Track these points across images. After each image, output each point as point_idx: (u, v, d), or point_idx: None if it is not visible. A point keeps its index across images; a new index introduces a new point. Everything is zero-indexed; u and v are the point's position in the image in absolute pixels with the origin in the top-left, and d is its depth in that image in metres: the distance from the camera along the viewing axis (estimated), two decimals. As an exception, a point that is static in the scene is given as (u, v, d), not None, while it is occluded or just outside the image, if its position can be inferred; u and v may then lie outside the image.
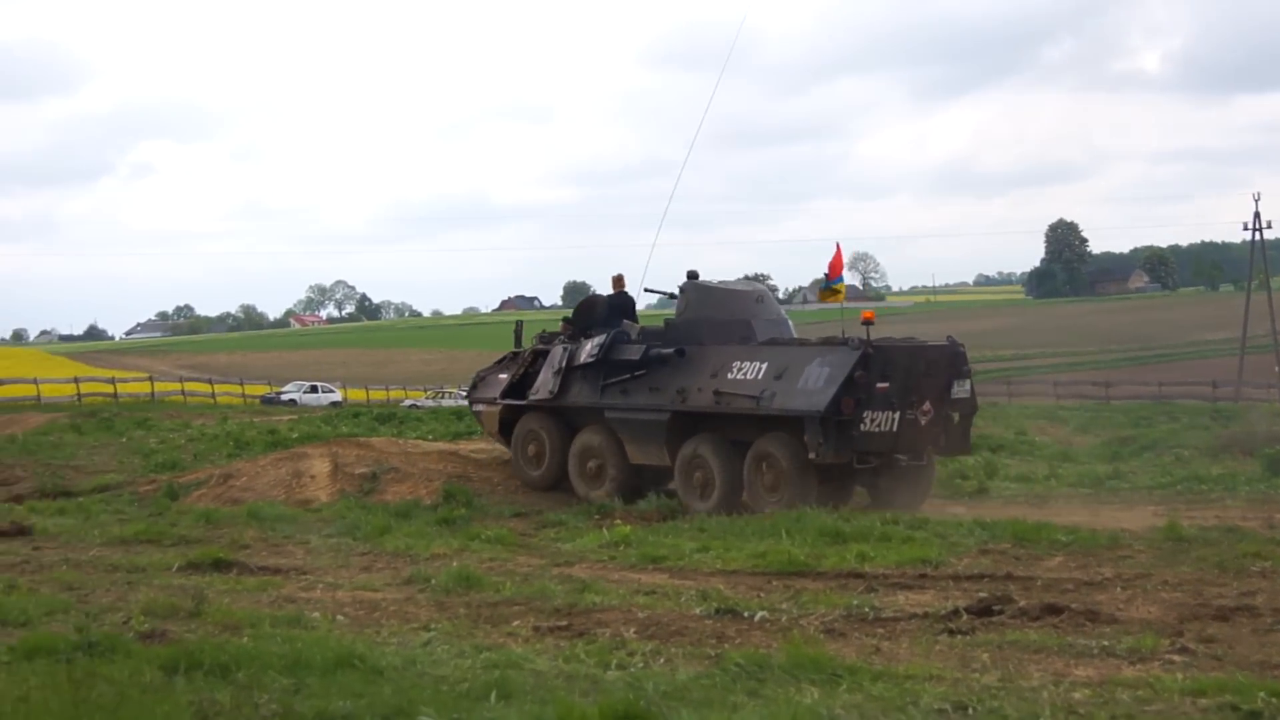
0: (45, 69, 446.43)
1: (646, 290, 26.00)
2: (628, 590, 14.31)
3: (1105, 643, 11.12)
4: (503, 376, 26.05)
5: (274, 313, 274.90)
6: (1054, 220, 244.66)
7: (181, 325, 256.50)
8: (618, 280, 25.30)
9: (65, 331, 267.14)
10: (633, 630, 12.05)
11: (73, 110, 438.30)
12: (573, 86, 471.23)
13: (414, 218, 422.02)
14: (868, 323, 21.33)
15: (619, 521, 19.80)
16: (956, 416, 22.52)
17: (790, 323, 23.58)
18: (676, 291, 24.21)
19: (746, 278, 26.51)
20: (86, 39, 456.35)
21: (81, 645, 10.82)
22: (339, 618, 12.91)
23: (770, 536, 17.91)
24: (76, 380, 72.66)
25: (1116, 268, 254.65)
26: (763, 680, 9.84)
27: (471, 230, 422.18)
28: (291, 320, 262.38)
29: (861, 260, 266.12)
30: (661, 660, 10.78)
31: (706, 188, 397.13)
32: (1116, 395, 76.88)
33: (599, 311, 24.95)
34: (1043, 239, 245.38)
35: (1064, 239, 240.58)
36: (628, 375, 23.28)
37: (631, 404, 23.25)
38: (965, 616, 12.34)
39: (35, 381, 69.20)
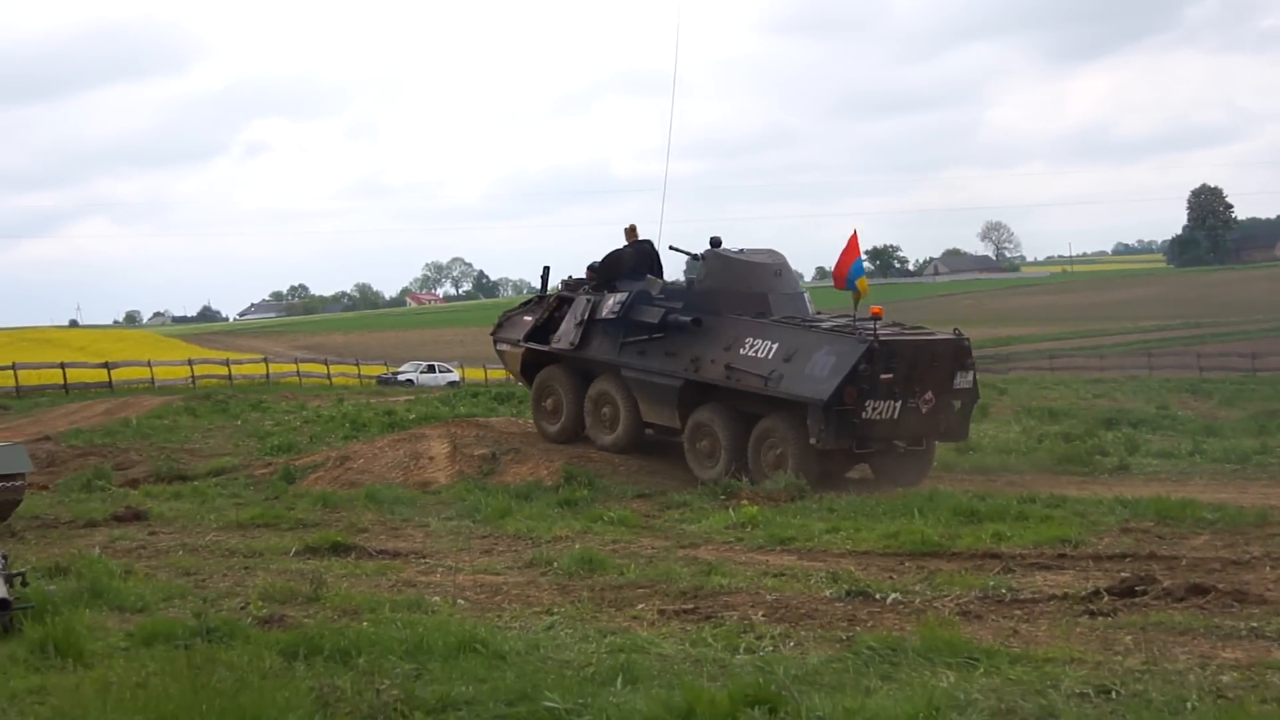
0: (157, 48, 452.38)
1: (671, 249, 26.38)
2: (755, 572, 14.31)
3: (1254, 624, 10.99)
4: (528, 319, 27.08)
5: (390, 291, 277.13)
6: (1196, 186, 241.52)
7: (296, 305, 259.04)
8: (630, 231, 26.27)
9: (179, 313, 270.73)
10: (761, 613, 12.05)
11: (185, 89, 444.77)
12: (693, 55, 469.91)
13: (532, 192, 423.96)
14: (876, 317, 22.09)
15: (745, 502, 19.75)
16: (958, 404, 23.24)
17: (806, 296, 24.49)
18: (699, 256, 24.96)
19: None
20: (199, 17, 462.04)
21: (199, 631, 11.00)
22: (460, 602, 13.01)
23: (902, 516, 17.84)
24: (190, 363, 73.60)
25: (1263, 234, 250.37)
26: (896, 664, 9.82)
27: (590, 204, 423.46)
28: (408, 299, 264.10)
29: (995, 230, 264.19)
30: (791, 644, 10.78)
31: (832, 158, 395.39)
32: (1263, 367, 75.81)
33: (626, 264, 25.77)
34: (1185, 205, 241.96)
35: (1207, 205, 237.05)
36: (645, 336, 24.27)
37: (647, 365, 24.31)
38: (1106, 598, 12.24)
39: (149, 364, 70.14)
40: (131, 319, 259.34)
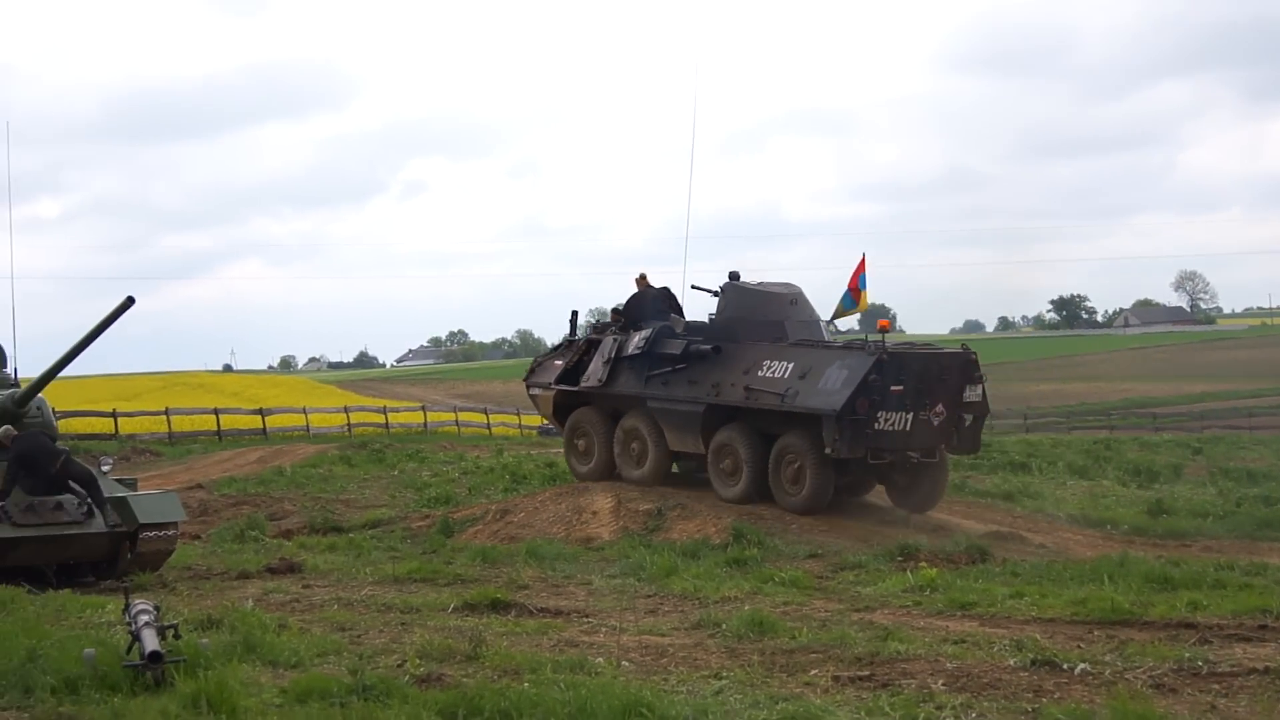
0: (316, 87, 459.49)
1: (694, 288, 29.06)
2: (934, 638, 14.19)
3: None
4: (558, 363, 29.17)
5: (552, 338, 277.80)
6: None
7: (455, 352, 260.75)
8: (641, 279, 28.50)
9: (334, 359, 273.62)
10: (941, 681, 11.95)
11: (343, 128, 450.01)
12: (867, 93, 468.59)
13: (698, 235, 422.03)
14: (883, 330, 24.71)
15: (924, 564, 19.63)
16: (969, 418, 25.18)
17: (822, 323, 26.79)
18: (718, 290, 27.25)
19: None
20: (358, 56, 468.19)
21: (355, 688, 11.10)
22: (624, 663, 13.03)
23: (1091, 582, 17.63)
24: (346, 410, 74.32)
25: None
26: (1085, 739, 9.69)
27: (761, 248, 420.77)
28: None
29: (1189, 280, 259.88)
30: (973, 714, 10.69)
31: (1015, 201, 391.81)
32: None
33: (648, 305, 28.04)
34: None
35: None
36: (669, 368, 26.47)
37: (671, 395, 26.48)
38: (1312, 673, 12.01)
39: (304, 411, 70.99)
40: (286, 364, 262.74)
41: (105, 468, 22.87)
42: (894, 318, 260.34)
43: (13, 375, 22.79)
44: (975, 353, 25.43)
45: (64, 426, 38.73)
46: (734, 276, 27.18)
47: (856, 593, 17.93)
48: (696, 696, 11.27)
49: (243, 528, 27.82)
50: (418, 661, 12.88)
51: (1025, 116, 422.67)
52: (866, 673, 12.44)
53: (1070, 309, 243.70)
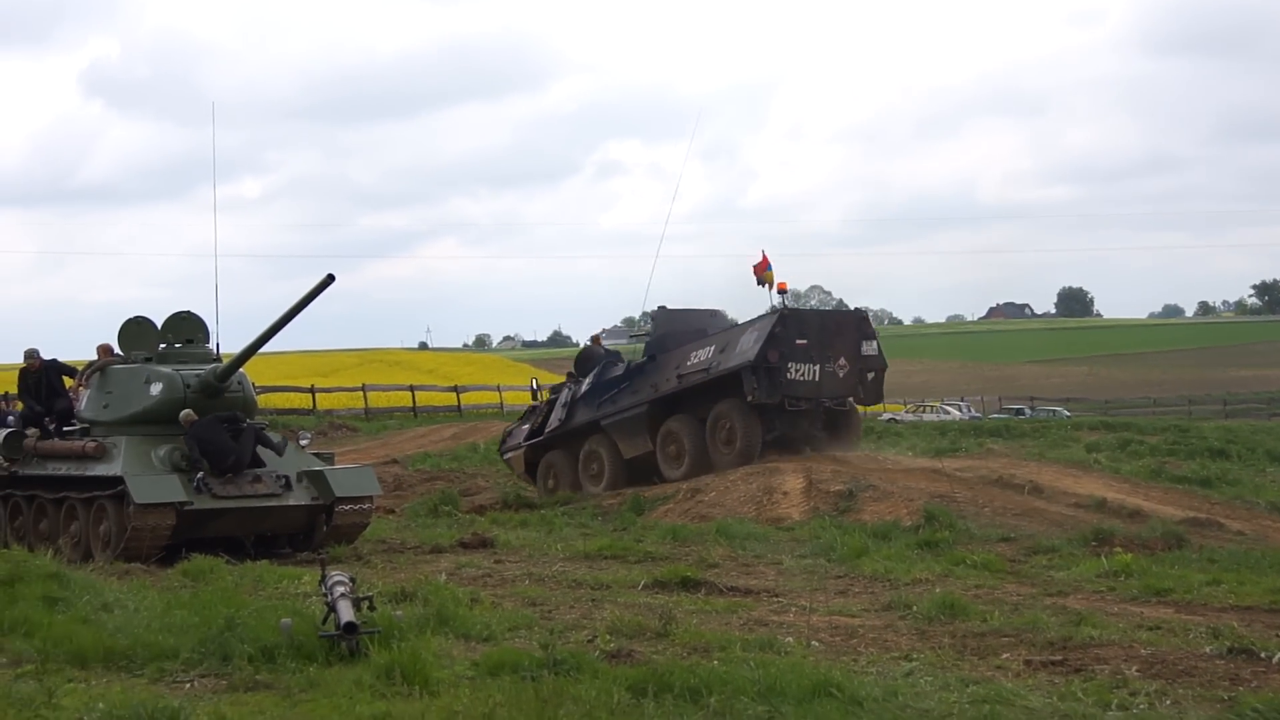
0: (513, 68, 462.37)
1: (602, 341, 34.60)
2: (1128, 624, 14.00)
3: None
4: (524, 427, 32.66)
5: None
6: None
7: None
8: (595, 339, 33.12)
9: (529, 337, 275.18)
10: (1135, 668, 11.78)
11: (540, 109, 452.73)
12: (1063, 75, 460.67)
13: (893, 218, 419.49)
14: (783, 292, 29.40)
15: (1119, 549, 19.34)
16: (871, 375, 28.91)
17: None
18: (650, 315, 32.14)
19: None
20: (555, 36, 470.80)
21: (546, 662, 11.18)
22: (814, 643, 13.01)
23: (1291, 569, 17.32)
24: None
25: None
26: (1284, 729, 9.51)
27: (955, 231, 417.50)
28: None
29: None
30: (1168, 702, 10.52)
31: (1217, 185, 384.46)
32: None
33: (595, 360, 31.98)
34: None
35: None
36: (615, 389, 30.24)
37: (620, 407, 29.99)
38: None
39: (498, 389, 71.64)
40: (481, 342, 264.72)
41: (303, 442, 23.29)
42: (1090, 301, 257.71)
43: (215, 351, 23.22)
44: (865, 312, 30.93)
45: (263, 401, 39.51)
46: (661, 308, 31.73)
47: (1049, 577, 17.73)
48: (886, 678, 11.22)
49: (436, 503, 28.21)
50: (608, 637, 12.96)
51: (1226, 99, 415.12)
52: (1059, 658, 12.31)
53: (1273, 294, 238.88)
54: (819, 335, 28.03)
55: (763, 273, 30.36)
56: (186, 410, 21.66)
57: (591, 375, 31.05)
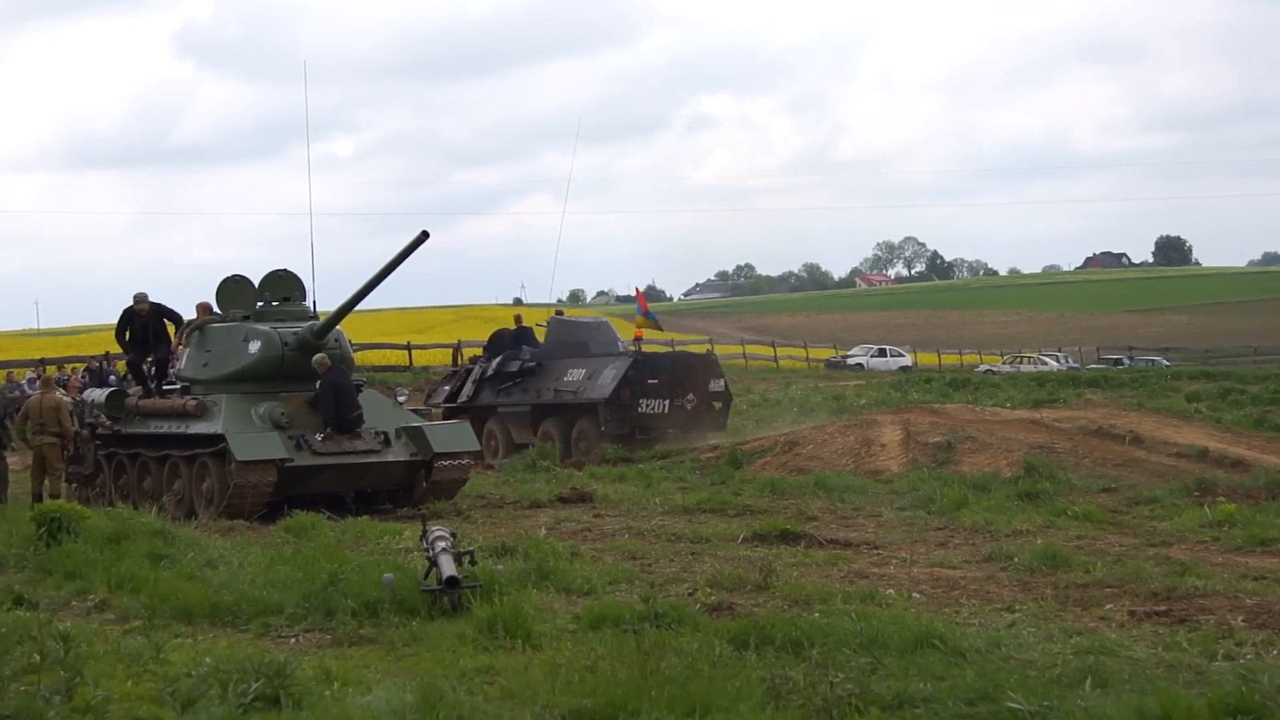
0: (604, 21, 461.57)
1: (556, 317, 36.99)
2: (1233, 574, 13.90)
3: None
4: (445, 388, 36.01)
5: (839, 272, 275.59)
6: None
7: (742, 285, 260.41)
8: (517, 319, 35.19)
9: (623, 292, 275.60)
10: (1240, 618, 11.70)
11: (630, 62, 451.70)
12: (1157, 20, 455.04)
13: (988, 169, 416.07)
14: (638, 340, 34.43)
15: (1222, 499, 19.17)
16: (719, 405, 32.96)
17: (620, 341, 34.60)
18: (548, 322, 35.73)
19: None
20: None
21: (647, 616, 11.22)
22: (915, 595, 13.01)
23: (1399, 519, 17.12)
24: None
25: None
26: (1394, 678, 9.40)
27: (1051, 181, 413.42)
28: (858, 280, 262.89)
29: None
30: (1274, 652, 10.45)
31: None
32: None
33: (506, 341, 35.09)
34: None
35: None
36: (510, 383, 33.63)
37: (512, 401, 33.60)
38: None
39: (592, 344, 71.73)
40: (575, 298, 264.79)
41: (401, 399, 23.45)
42: (1189, 249, 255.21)
43: (312, 308, 23.38)
44: (715, 354, 37.63)
45: (360, 358, 39.79)
46: (559, 313, 36.45)
47: (1152, 527, 17.63)
48: (989, 629, 11.19)
49: (534, 458, 28.30)
50: (708, 590, 12.99)
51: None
52: (1163, 608, 12.24)
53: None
54: (670, 374, 32.30)
55: (645, 310, 37.95)
56: (321, 355, 21.90)
57: (495, 364, 34.10)
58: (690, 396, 31.97)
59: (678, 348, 43.02)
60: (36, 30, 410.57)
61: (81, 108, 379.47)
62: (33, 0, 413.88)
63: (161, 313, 24.23)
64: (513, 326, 36.48)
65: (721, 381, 33.24)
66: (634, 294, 38.71)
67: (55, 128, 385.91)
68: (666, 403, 31.30)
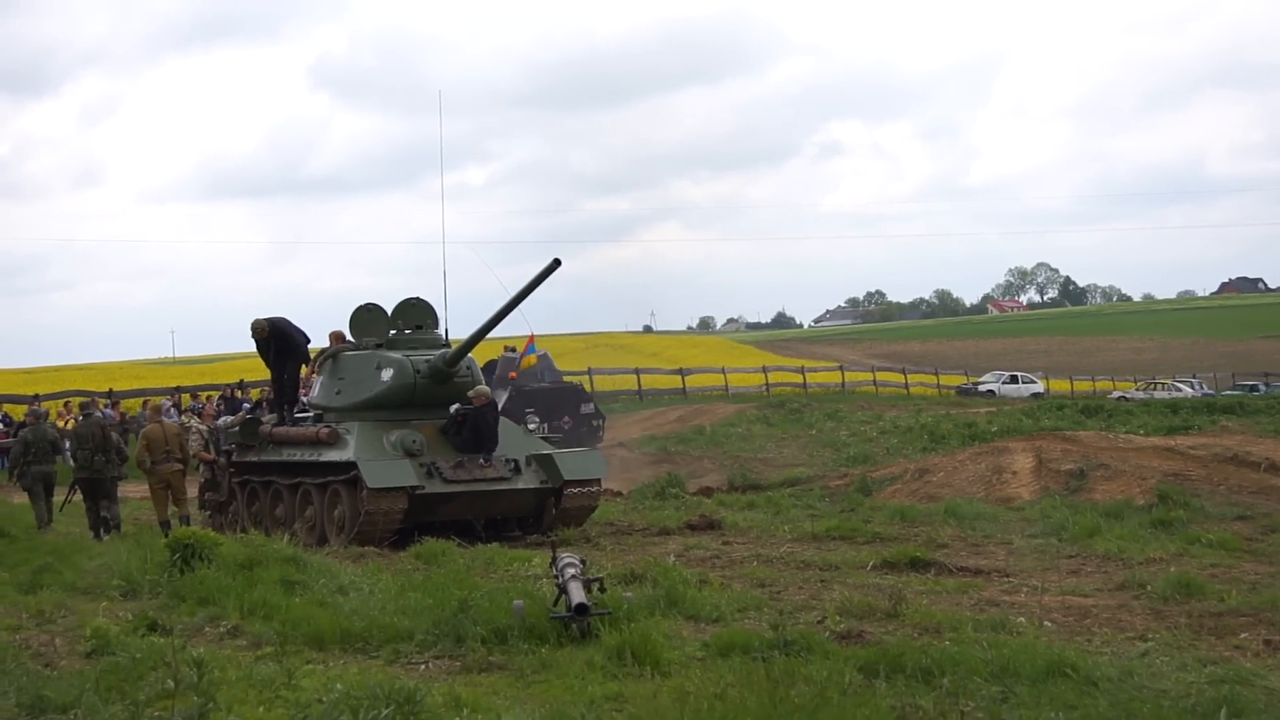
0: (734, 49, 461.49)
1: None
2: (1372, 604, 13.67)
3: None
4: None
5: (970, 298, 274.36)
6: None
7: (873, 312, 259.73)
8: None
9: (752, 319, 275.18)
10: (1384, 650, 11.50)
11: (759, 91, 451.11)
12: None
13: (1121, 194, 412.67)
14: (513, 379, 39.77)
15: (1363, 526, 18.90)
16: (596, 423, 39.94)
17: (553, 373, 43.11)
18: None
19: None
20: (776, 16, 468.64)
21: (777, 643, 11.18)
22: (1046, 623, 12.88)
23: None
24: (765, 370, 75.02)
25: None
26: None
27: (1186, 206, 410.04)
28: (989, 306, 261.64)
29: None
30: None
31: None
32: None
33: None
34: None
35: None
36: None
37: None
38: None
39: (723, 371, 71.86)
40: (705, 325, 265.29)
41: (531, 426, 23.50)
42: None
43: (444, 336, 23.53)
44: (582, 386, 44.48)
45: (490, 386, 40.90)
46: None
47: (1289, 555, 17.38)
48: (1122, 658, 11.07)
49: (663, 485, 28.36)
50: (838, 618, 12.93)
51: None
52: (1301, 637, 12.06)
53: None
54: (545, 403, 37.74)
55: (524, 350, 42.08)
56: (481, 386, 22.32)
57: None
58: (566, 419, 39.36)
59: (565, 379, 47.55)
60: (174, 62, 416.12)
61: (218, 139, 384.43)
62: (170, 33, 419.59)
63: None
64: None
65: (591, 404, 41.90)
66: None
67: (192, 159, 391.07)
68: (545, 425, 30.06)
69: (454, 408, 22.44)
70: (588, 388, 65.64)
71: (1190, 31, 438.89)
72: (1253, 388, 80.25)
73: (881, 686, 9.94)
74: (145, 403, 44.37)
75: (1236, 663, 10.91)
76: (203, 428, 25.02)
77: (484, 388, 22.42)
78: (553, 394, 40.34)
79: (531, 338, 41.59)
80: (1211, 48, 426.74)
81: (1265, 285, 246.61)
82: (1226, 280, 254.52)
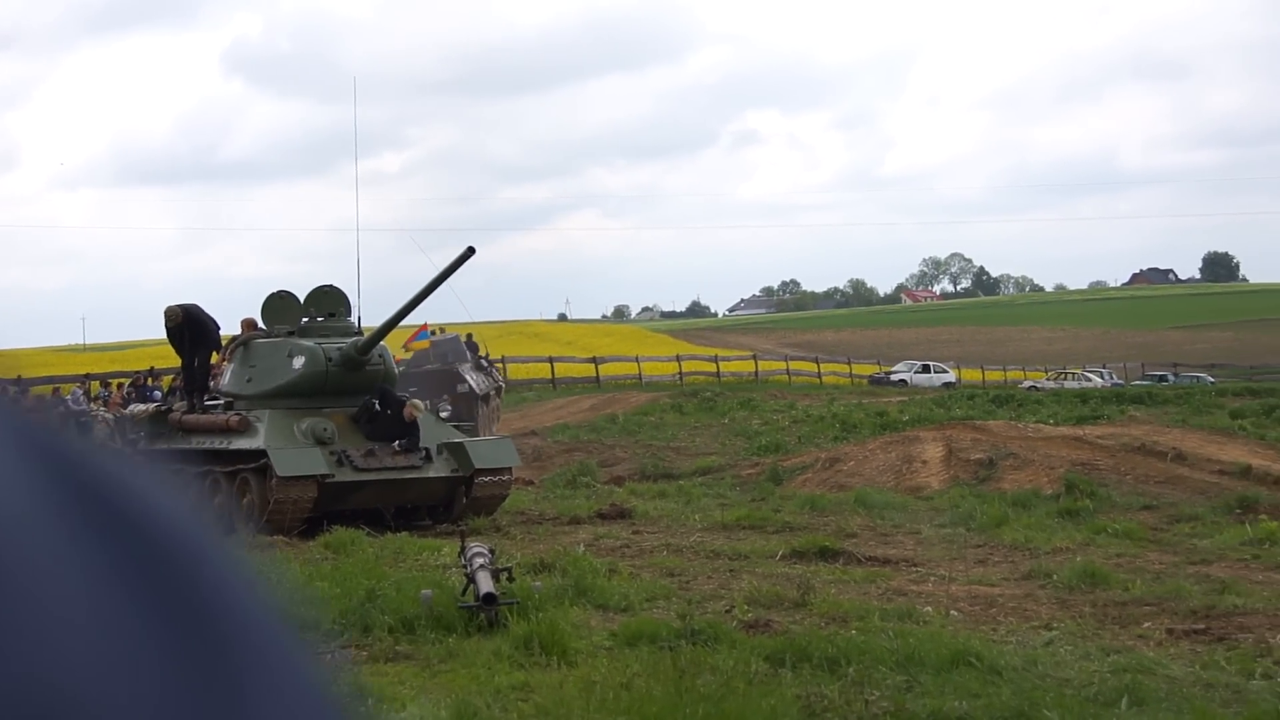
0: (652, 39, 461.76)
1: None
2: (1273, 592, 13.82)
3: None
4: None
5: (884, 288, 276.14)
6: None
7: (787, 301, 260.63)
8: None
9: (667, 308, 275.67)
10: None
11: (678, 80, 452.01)
12: (1208, 38, 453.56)
13: (1034, 185, 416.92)
14: (399, 362, 33.93)
15: (1264, 517, 19.07)
16: (476, 403, 38.83)
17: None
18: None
19: None
20: (695, 6, 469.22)
21: (684, 633, 11.21)
22: (953, 613, 12.95)
23: None
24: (678, 359, 75.01)
25: None
26: None
27: (1098, 197, 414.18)
28: (903, 296, 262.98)
29: None
30: (1314, 672, 10.36)
31: None
32: None
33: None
34: None
35: None
36: None
37: None
38: None
39: (637, 360, 71.86)
40: (620, 313, 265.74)
41: (443, 414, 23.44)
42: (1236, 265, 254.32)
43: (357, 324, 23.43)
44: (457, 368, 42.01)
45: (403, 374, 40.82)
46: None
47: (1192, 545, 17.56)
48: (1026, 647, 11.13)
49: (575, 474, 28.34)
50: (745, 607, 12.96)
51: None
52: (1202, 626, 12.16)
53: None
54: (424, 385, 36.71)
55: (414, 339, 43.04)
56: (415, 400, 22.53)
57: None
58: (445, 398, 37.24)
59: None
60: (87, 48, 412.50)
61: (130, 125, 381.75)
62: (83, 18, 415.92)
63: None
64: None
65: (466, 385, 41.33)
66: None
67: (104, 145, 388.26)
68: (427, 403, 32.24)
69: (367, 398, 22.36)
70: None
71: (1105, 24, 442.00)
72: (1161, 378, 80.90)
73: (787, 676, 9.97)
74: (55, 390, 44.10)
75: (1139, 652, 10.99)
76: (109, 416, 24.82)
77: (417, 402, 22.32)
78: (431, 376, 40.72)
79: (424, 325, 43.04)
80: (1126, 41, 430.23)
81: (1176, 276, 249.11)
82: (1138, 271, 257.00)
